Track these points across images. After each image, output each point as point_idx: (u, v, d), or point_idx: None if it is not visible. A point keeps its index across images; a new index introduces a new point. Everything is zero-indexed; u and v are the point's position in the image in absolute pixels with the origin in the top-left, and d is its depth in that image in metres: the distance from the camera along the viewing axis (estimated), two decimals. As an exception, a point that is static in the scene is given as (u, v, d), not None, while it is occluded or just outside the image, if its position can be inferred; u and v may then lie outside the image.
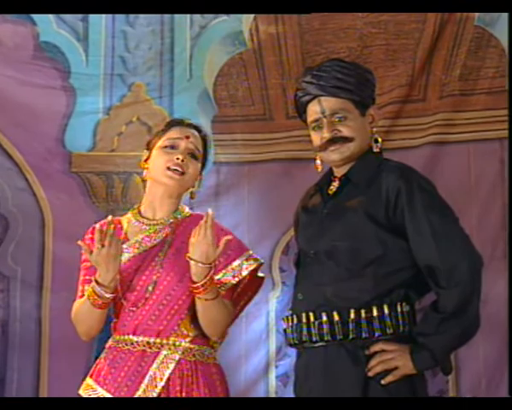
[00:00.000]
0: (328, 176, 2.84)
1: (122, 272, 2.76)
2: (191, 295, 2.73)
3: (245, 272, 2.81)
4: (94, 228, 2.86)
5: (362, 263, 2.63)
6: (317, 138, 2.78)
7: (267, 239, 4.69)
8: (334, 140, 2.74)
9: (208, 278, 2.66)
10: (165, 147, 2.87)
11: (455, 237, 2.62)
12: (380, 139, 2.81)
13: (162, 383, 2.70)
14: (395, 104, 4.73)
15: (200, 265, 2.65)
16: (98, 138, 4.86)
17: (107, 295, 2.70)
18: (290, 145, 4.79)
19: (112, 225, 2.65)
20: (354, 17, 4.78)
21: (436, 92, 4.74)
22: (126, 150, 4.81)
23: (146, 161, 2.92)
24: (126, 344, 2.77)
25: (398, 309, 2.62)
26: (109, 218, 2.69)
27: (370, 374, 2.58)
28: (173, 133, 2.90)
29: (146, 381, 2.70)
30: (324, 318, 2.61)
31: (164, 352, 2.73)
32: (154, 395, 2.69)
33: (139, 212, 2.91)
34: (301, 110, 2.85)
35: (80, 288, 2.86)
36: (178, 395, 2.70)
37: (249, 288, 2.89)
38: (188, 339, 2.76)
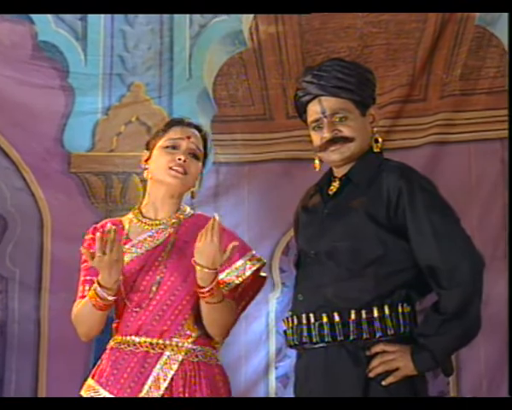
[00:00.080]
0: (329, 176, 2.83)
1: (125, 272, 2.76)
2: (195, 295, 2.73)
3: (248, 272, 2.82)
4: (95, 228, 2.88)
5: (363, 263, 2.62)
6: (317, 138, 2.77)
7: (267, 239, 4.68)
8: (335, 140, 2.73)
9: (215, 283, 2.67)
10: (167, 147, 2.87)
11: (456, 238, 2.61)
12: (380, 139, 2.80)
13: (165, 384, 2.70)
14: (396, 104, 4.73)
15: (205, 270, 2.65)
16: (97, 138, 4.85)
17: (110, 298, 2.70)
18: (290, 145, 4.79)
19: (112, 233, 2.63)
20: (354, 16, 4.78)
21: (437, 92, 4.74)
22: (125, 150, 4.80)
23: (146, 161, 2.92)
24: (129, 345, 2.76)
25: (399, 310, 2.61)
26: (109, 226, 2.67)
27: (371, 375, 2.57)
28: (174, 133, 2.89)
29: (149, 382, 2.70)
30: (325, 318, 2.60)
31: (167, 353, 2.73)
32: (158, 396, 2.68)
33: (140, 212, 2.91)
34: (301, 110, 2.84)
35: (80, 288, 2.85)
36: (181, 396, 2.70)
37: (251, 287, 2.89)
38: (190, 340, 2.76)
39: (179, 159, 2.82)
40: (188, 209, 2.93)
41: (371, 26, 4.80)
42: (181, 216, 2.88)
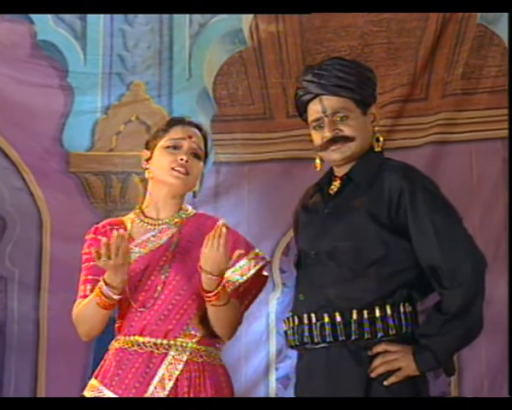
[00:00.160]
0: (329, 175, 2.82)
1: (129, 272, 2.74)
2: (200, 295, 2.73)
3: (253, 271, 2.82)
4: (97, 228, 2.89)
5: (365, 263, 2.61)
6: (317, 138, 2.76)
7: (267, 240, 4.66)
8: (336, 139, 2.71)
9: (220, 287, 2.67)
10: (168, 147, 2.86)
11: (458, 237, 2.60)
12: (381, 138, 2.79)
13: (171, 384, 2.69)
14: (397, 103, 4.73)
15: (210, 276, 2.66)
16: (96, 138, 4.85)
17: (115, 297, 2.69)
18: (290, 145, 4.79)
19: (119, 239, 2.62)
20: (355, 15, 4.77)
21: (438, 91, 4.74)
22: (125, 150, 4.80)
23: (147, 161, 2.91)
24: (133, 345, 2.75)
25: (401, 310, 2.60)
26: (116, 232, 2.65)
27: (373, 375, 2.56)
28: (175, 133, 2.88)
29: (154, 382, 2.70)
30: (326, 319, 2.59)
31: (172, 353, 2.73)
32: (163, 396, 2.68)
33: (142, 212, 2.91)
34: (302, 109, 2.83)
35: (82, 288, 2.83)
36: (186, 396, 2.69)
37: (253, 286, 2.88)
38: (195, 340, 2.75)
39: (181, 159, 2.82)
40: (190, 209, 2.92)
41: (372, 25, 4.79)
42: (183, 216, 2.88)
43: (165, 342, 2.73)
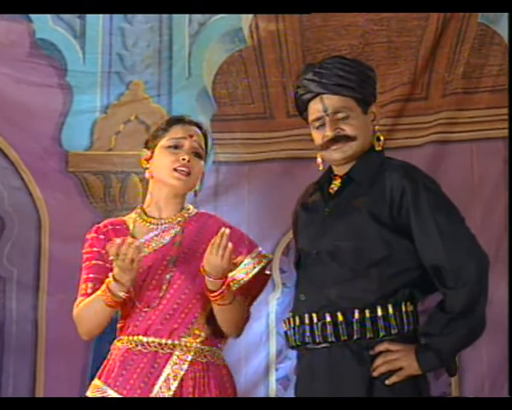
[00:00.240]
0: (328, 174, 2.81)
1: None
2: (204, 294, 2.72)
3: (257, 268, 2.82)
4: (98, 228, 2.87)
5: (366, 263, 2.60)
6: (318, 137, 2.74)
7: (267, 240, 4.64)
8: (337, 139, 2.70)
9: (225, 286, 2.68)
10: (169, 147, 2.85)
11: (462, 237, 2.59)
12: (382, 138, 2.77)
13: (176, 384, 2.69)
14: (397, 102, 4.73)
15: (212, 280, 2.66)
16: (95, 137, 4.84)
17: (121, 294, 2.68)
18: (291, 144, 4.78)
19: (132, 246, 2.61)
20: (356, 14, 4.77)
21: (439, 90, 4.74)
22: (124, 149, 4.79)
23: (147, 160, 2.89)
24: (137, 345, 2.74)
25: (403, 309, 2.58)
26: (130, 240, 2.63)
27: (375, 374, 2.55)
28: (175, 132, 2.87)
29: (160, 382, 2.69)
30: (328, 318, 2.58)
31: (177, 353, 2.72)
32: (168, 396, 2.67)
33: (144, 211, 2.90)
34: (302, 108, 2.82)
35: (83, 286, 2.82)
36: (191, 396, 2.69)
37: (256, 285, 2.87)
38: (199, 340, 2.75)
39: (183, 159, 2.81)
40: (191, 208, 2.92)
41: (372, 24, 4.79)
42: (185, 215, 2.87)
43: (169, 342, 2.72)
